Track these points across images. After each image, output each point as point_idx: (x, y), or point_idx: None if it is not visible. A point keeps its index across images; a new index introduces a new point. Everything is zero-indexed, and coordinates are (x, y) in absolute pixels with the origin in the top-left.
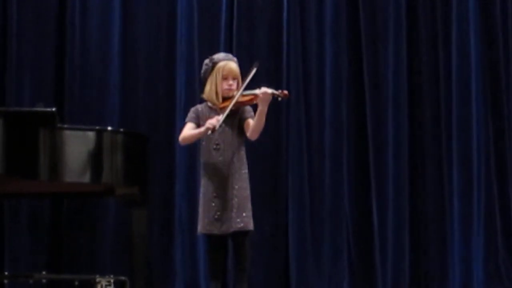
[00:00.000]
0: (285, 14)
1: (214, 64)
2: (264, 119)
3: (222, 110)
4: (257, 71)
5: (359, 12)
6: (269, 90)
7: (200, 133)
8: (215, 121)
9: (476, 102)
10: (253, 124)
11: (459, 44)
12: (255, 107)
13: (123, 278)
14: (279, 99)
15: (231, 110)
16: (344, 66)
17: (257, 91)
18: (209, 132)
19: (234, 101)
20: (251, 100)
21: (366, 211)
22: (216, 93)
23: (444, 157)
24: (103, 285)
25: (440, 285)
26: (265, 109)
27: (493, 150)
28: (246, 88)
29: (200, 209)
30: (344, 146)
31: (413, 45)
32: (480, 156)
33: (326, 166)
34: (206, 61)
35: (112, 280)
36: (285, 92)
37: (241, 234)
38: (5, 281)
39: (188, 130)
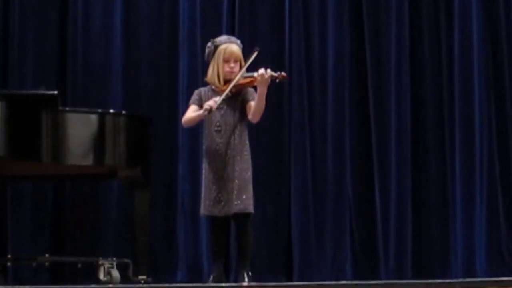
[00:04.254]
0: None
1: (216, 47)
2: (264, 101)
3: (223, 92)
4: (258, 55)
5: None
6: (268, 72)
7: (199, 116)
8: (213, 102)
9: (478, 86)
10: (253, 106)
11: (462, 28)
12: None
13: (126, 260)
14: (277, 81)
15: (232, 93)
16: (346, 51)
17: (255, 74)
18: (206, 113)
19: (233, 83)
20: (250, 82)
21: (368, 194)
22: (218, 75)
23: (447, 141)
24: (106, 268)
25: (443, 267)
26: (265, 90)
27: (495, 134)
28: (247, 71)
29: (202, 191)
30: (347, 130)
31: (416, 29)
32: (483, 140)
33: (329, 149)
34: (209, 44)
35: (115, 263)
36: (283, 74)
37: (242, 216)
38: (8, 264)
39: (189, 113)
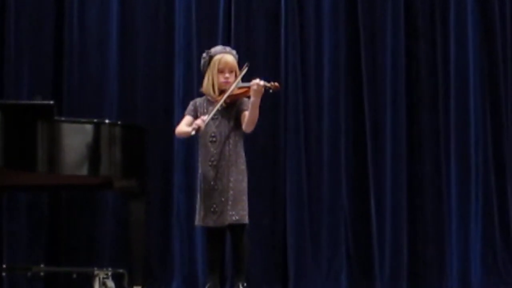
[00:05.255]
0: (283, 5)
1: (210, 57)
2: (257, 111)
3: (217, 103)
4: (252, 66)
5: (357, 3)
6: (261, 82)
7: (188, 133)
8: (200, 121)
9: (474, 95)
10: (247, 116)
11: (457, 34)
12: None
13: (121, 270)
14: (271, 91)
15: (227, 103)
16: (342, 58)
17: (249, 84)
18: (194, 132)
19: (227, 93)
20: (245, 92)
21: (364, 205)
22: (213, 86)
23: (442, 152)
24: (101, 278)
25: (438, 278)
26: (258, 100)
27: (491, 144)
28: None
29: (197, 201)
30: (342, 139)
31: (411, 36)
32: (478, 151)
33: (324, 159)
34: (204, 54)
35: (110, 273)
36: (276, 84)
37: (238, 227)
38: (3, 274)
39: (182, 125)
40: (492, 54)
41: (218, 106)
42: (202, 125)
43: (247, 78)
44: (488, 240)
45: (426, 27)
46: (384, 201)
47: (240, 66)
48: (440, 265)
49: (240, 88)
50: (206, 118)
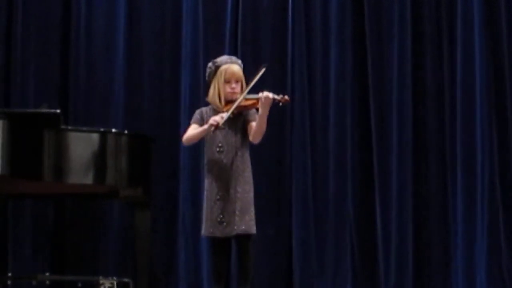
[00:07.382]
0: (290, 14)
1: (216, 67)
2: (265, 122)
3: (237, 101)
4: (265, 72)
5: (364, 12)
6: (270, 95)
7: (204, 130)
8: (219, 118)
9: (480, 101)
10: (254, 127)
11: (464, 42)
12: None
13: (126, 280)
14: (280, 104)
15: (234, 114)
16: (348, 67)
17: (259, 95)
18: (212, 128)
19: (239, 100)
20: (253, 104)
21: (369, 214)
22: (219, 96)
23: (448, 160)
24: (106, 287)
25: (444, 287)
26: (266, 112)
27: (497, 151)
28: (251, 91)
29: (204, 212)
30: (348, 148)
31: (418, 46)
32: (484, 161)
33: (330, 168)
34: (209, 64)
35: (115, 282)
36: (286, 97)
37: (244, 238)
38: (9, 282)
39: (191, 130)
40: (499, 56)
41: (232, 109)
42: (221, 122)
43: (257, 89)
44: (493, 251)
45: (432, 35)
46: (390, 211)
47: (246, 75)
48: (445, 274)
49: (248, 99)
50: (225, 115)
